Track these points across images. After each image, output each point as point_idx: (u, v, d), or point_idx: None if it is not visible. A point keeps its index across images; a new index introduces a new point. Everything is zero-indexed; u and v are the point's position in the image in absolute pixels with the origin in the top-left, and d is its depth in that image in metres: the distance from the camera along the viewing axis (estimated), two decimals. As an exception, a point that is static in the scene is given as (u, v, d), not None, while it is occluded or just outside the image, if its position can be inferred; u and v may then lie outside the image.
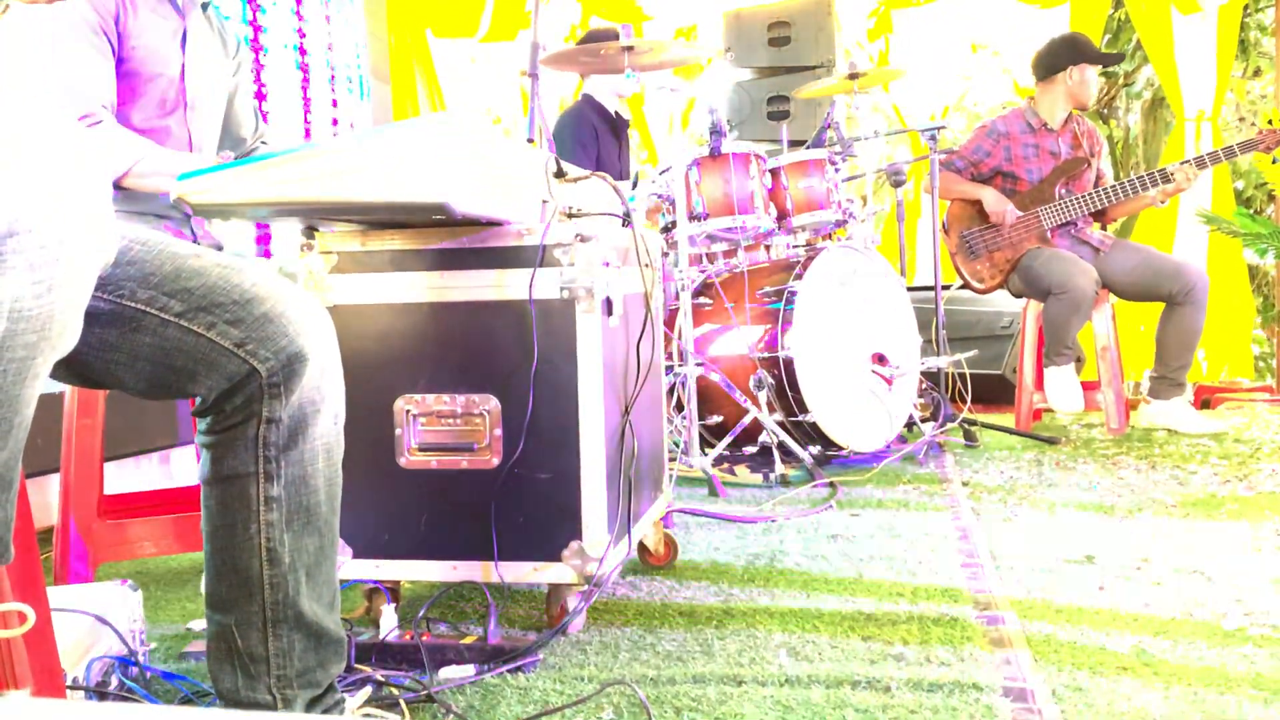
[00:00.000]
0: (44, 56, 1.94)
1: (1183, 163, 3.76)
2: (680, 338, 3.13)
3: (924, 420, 3.67)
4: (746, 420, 3.17)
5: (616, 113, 4.11)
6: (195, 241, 2.16)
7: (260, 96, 3.79)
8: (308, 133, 4.11)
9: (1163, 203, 3.92)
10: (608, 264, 1.78)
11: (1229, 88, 5.09)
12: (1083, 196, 3.84)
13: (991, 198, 3.92)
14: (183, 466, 3.41)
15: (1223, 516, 2.47)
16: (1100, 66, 3.95)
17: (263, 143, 2.40)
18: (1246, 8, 5.59)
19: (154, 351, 1.15)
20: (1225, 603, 1.80)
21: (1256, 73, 6.84)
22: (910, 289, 3.72)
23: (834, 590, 1.97)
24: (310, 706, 1.26)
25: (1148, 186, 3.78)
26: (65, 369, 1.16)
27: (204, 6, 2.19)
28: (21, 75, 1.98)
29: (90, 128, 1.92)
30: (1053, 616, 1.77)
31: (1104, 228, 4.02)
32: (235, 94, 2.32)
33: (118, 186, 1.95)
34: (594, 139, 3.97)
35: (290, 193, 1.44)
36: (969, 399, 3.82)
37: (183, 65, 2.10)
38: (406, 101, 5.30)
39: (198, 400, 1.21)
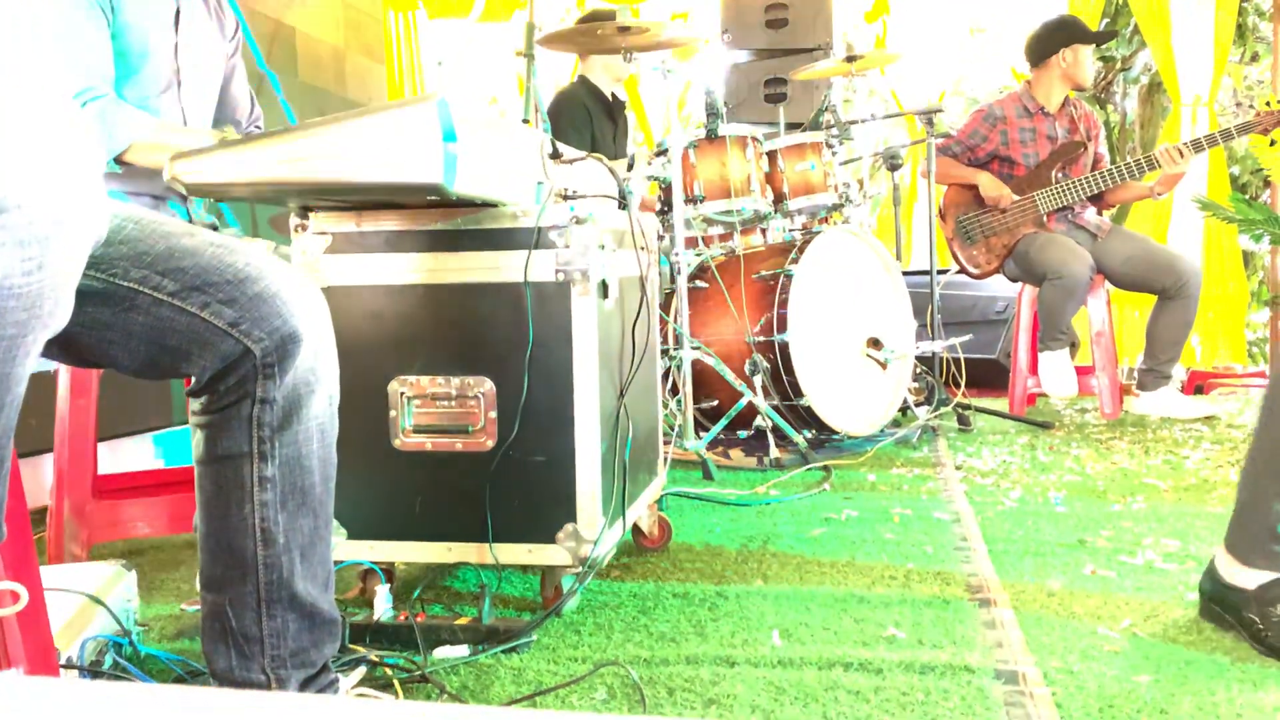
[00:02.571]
0: (42, 29, 1.92)
1: (1166, 147, 3.74)
2: (676, 321, 3.12)
3: (918, 404, 3.67)
4: (741, 404, 3.17)
5: (612, 94, 4.09)
6: (190, 221, 2.15)
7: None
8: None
9: (1159, 195, 3.89)
10: (603, 246, 1.77)
11: (1226, 73, 5.07)
12: (1079, 180, 3.83)
13: (988, 182, 3.91)
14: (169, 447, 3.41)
15: (1215, 502, 2.48)
16: (1095, 46, 3.94)
17: (256, 126, 2.39)
18: (1244, -7, 5.58)
19: (147, 331, 1.15)
20: (1216, 587, 1.81)
21: (1254, 58, 6.84)
22: (906, 273, 3.72)
23: (827, 573, 1.98)
24: (304, 686, 1.26)
25: (1134, 173, 3.77)
26: (58, 348, 1.16)
27: (202, -12, 2.17)
28: (12, 51, 1.96)
29: (92, 101, 1.91)
30: (1045, 600, 1.78)
31: (1099, 213, 4.02)
32: (232, 76, 2.31)
33: (120, 162, 1.94)
34: (588, 120, 3.95)
35: (285, 173, 1.43)
36: (963, 383, 3.83)
37: (175, 44, 2.08)
38: (401, 82, 5.27)
39: (192, 380, 1.21)
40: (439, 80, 5.67)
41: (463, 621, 1.68)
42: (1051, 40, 3.88)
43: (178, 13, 2.09)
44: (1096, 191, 3.84)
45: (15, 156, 0.83)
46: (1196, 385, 4.63)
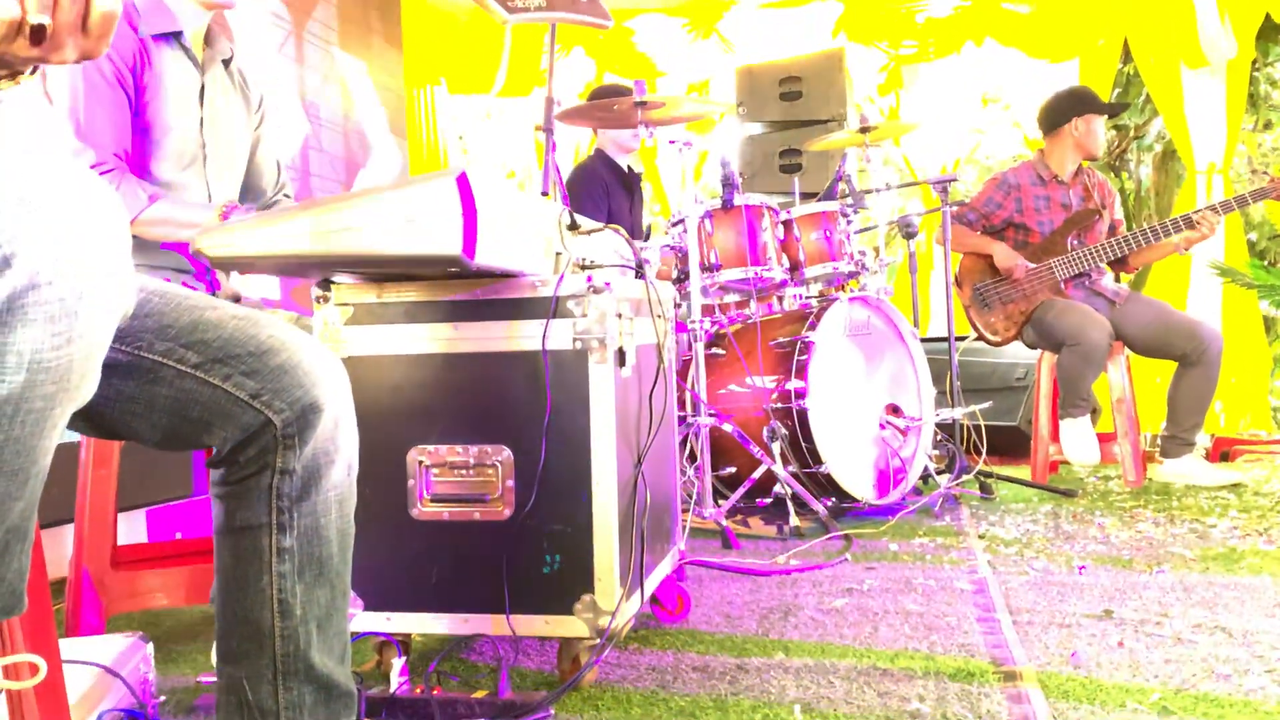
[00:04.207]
0: (60, 104, 1.99)
1: (1207, 207, 3.75)
2: (693, 388, 3.13)
3: (939, 472, 3.64)
4: (760, 472, 3.15)
5: (629, 167, 4.16)
6: (213, 294, 2.18)
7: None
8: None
9: (1185, 250, 3.89)
10: (621, 315, 1.79)
11: (1239, 140, 5.11)
12: (1097, 247, 3.84)
13: (1002, 252, 3.93)
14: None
15: (1243, 570, 2.44)
16: (1106, 117, 3.98)
17: (285, 195, 2.44)
18: (1255, 62, 5.64)
19: (170, 403, 1.16)
20: (1247, 660, 1.77)
21: (1267, 125, 6.88)
22: (924, 340, 3.72)
23: (849, 645, 1.95)
24: (319, 761, 1.25)
25: (1170, 232, 3.77)
26: (81, 419, 1.17)
27: (226, 63, 2.24)
28: (42, 128, 2.03)
29: (101, 175, 1.96)
30: (1071, 672, 1.74)
31: (1117, 278, 4.01)
32: (257, 147, 2.37)
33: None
34: (605, 193, 4.01)
35: (307, 246, 1.46)
36: (984, 451, 3.80)
37: (200, 120, 2.14)
38: (423, 157, 5.37)
39: (213, 451, 1.21)
40: (459, 154, 5.77)
41: (480, 695, 1.65)
42: (1063, 110, 3.92)
43: (202, 89, 2.15)
44: (1117, 256, 3.84)
45: (46, 234, 0.86)
46: (1222, 452, 4.57)
